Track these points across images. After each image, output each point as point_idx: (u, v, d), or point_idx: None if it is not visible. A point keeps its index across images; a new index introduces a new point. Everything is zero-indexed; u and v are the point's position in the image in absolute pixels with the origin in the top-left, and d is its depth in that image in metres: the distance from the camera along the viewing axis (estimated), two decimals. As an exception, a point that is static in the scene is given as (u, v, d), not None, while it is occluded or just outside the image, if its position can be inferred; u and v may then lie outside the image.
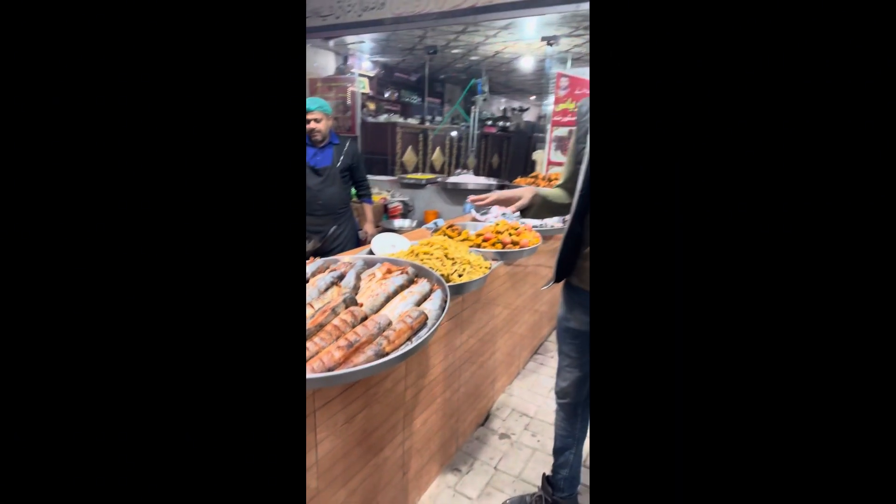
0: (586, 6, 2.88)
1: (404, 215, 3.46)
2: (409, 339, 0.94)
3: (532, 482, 1.57)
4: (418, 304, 1.07)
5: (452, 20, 3.86)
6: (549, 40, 3.34)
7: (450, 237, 1.81)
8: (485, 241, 1.76)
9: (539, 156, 3.66)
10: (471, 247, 1.71)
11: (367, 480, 1.17)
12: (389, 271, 1.21)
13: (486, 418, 1.91)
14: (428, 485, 1.53)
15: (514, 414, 1.95)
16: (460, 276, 1.36)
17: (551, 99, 3.47)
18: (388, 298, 1.07)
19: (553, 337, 2.70)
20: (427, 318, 1.00)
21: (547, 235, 2.23)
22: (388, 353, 0.88)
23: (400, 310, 1.03)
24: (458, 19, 3.83)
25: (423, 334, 0.96)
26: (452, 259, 1.42)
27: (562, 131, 3.49)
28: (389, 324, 0.95)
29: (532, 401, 2.05)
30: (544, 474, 1.47)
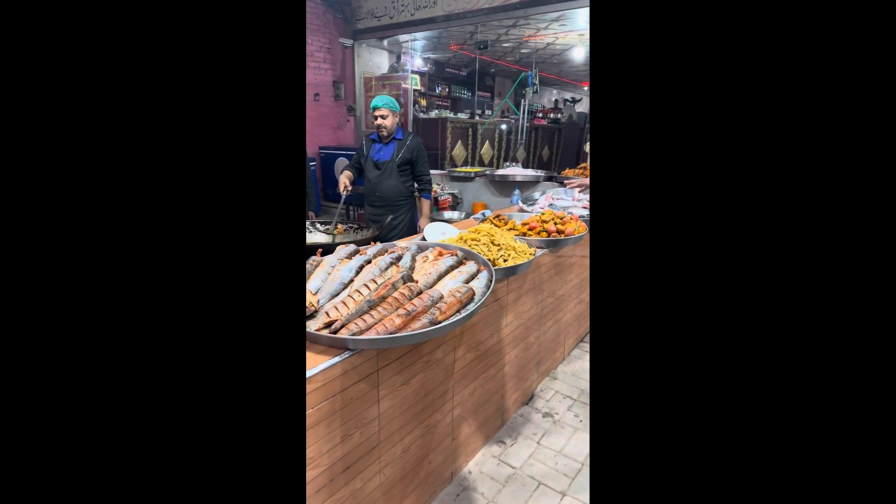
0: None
1: (453, 207, 3.60)
2: (458, 311, 1.07)
3: (573, 457, 1.66)
4: (466, 282, 1.20)
5: (503, 14, 3.92)
6: (601, 30, 3.31)
7: (496, 226, 1.92)
8: (530, 229, 1.85)
9: (589, 147, 3.65)
10: (516, 235, 1.81)
11: (421, 440, 1.32)
12: (441, 254, 1.35)
13: (531, 398, 2.01)
14: (475, 453, 1.66)
15: (557, 395, 2.04)
16: (505, 260, 1.47)
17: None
18: (440, 277, 1.21)
19: (599, 326, 2.74)
20: (474, 294, 1.13)
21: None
22: (440, 322, 1.02)
23: (450, 286, 1.16)
24: (508, 13, 3.88)
25: (471, 307, 1.09)
26: (498, 245, 1.54)
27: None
28: (441, 297, 1.09)
29: (576, 385, 2.12)
30: None
